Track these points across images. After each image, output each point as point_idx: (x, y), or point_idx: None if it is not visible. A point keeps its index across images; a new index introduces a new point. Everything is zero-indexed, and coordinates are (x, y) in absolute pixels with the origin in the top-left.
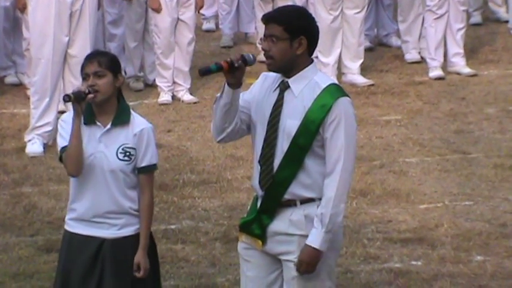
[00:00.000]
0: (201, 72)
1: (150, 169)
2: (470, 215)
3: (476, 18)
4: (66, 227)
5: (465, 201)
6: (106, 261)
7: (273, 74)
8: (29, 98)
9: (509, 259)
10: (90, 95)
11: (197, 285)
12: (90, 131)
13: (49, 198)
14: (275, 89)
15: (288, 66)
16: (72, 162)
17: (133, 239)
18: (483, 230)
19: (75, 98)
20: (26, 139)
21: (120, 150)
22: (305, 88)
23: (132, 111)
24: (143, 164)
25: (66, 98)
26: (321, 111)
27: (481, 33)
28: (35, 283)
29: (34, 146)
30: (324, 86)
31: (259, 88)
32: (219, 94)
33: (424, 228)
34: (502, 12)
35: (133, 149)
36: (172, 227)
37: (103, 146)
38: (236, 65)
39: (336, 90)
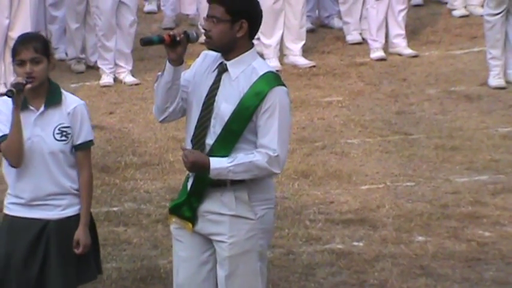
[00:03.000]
0: (143, 42)
1: (87, 145)
2: (411, 196)
3: None
4: (6, 211)
5: (406, 182)
6: (50, 242)
7: (213, 53)
8: None
9: (450, 239)
10: (28, 85)
11: (139, 267)
12: (24, 116)
13: None
14: (214, 70)
15: (227, 47)
16: (15, 153)
17: (77, 218)
18: (424, 210)
19: (17, 92)
20: None
21: (56, 131)
22: (242, 73)
23: (62, 90)
24: (79, 141)
25: (10, 94)
26: (255, 98)
27: (422, 15)
28: None
29: None
30: (261, 73)
31: (199, 66)
32: (160, 73)
33: (365, 209)
34: None
35: (69, 127)
36: (115, 209)
37: (39, 130)
38: (178, 38)
39: (272, 79)
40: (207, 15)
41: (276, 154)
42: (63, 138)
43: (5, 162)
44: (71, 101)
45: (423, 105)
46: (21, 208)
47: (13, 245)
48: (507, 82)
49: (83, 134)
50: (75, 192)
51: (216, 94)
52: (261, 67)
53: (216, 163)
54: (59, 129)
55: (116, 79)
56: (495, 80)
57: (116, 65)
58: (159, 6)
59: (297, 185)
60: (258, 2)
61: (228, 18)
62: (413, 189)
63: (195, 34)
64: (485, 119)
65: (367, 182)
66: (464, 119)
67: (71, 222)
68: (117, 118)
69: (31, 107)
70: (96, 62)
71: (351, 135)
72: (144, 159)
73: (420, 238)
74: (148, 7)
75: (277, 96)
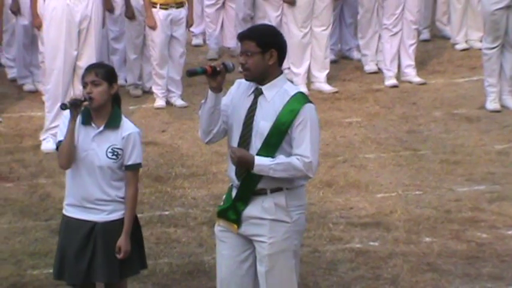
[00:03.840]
0: (189, 73)
1: (135, 167)
2: (420, 202)
3: (426, 35)
4: (64, 212)
5: (415, 191)
6: (97, 241)
7: (246, 81)
8: (44, 103)
9: (453, 240)
10: (85, 103)
11: (187, 262)
12: (85, 130)
13: (61, 188)
14: (250, 94)
15: (262, 75)
16: (64, 157)
17: (121, 222)
18: (431, 215)
19: (71, 105)
20: (41, 138)
21: (109, 149)
22: (276, 95)
23: (123, 116)
24: (129, 163)
25: (63, 107)
26: (290, 115)
27: (429, 48)
28: (49, 261)
29: (48, 144)
30: (292, 93)
31: (235, 93)
32: (203, 101)
33: (380, 214)
34: (447, 30)
35: (121, 149)
36: (166, 213)
37: (95, 145)
38: (218, 69)
39: (302, 98)
40: (241, 52)
41: (309, 160)
42: (114, 157)
43: (67, 171)
44: (127, 127)
45: (430, 125)
46: (74, 209)
47: (68, 241)
48: (502, 106)
49: (133, 157)
50: (120, 200)
51: (254, 114)
52: (292, 89)
53: (260, 160)
54: (111, 149)
55: (167, 102)
56: (492, 104)
57: (167, 90)
58: (204, 40)
59: (322, 193)
60: (281, 33)
61: (259, 50)
62: (421, 197)
63: (231, 65)
64: (483, 138)
65: (381, 190)
66: (465, 137)
67: (115, 225)
68: (168, 135)
69: (93, 125)
70: (151, 87)
71: (368, 150)
72: (191, 171)
73: (427, 239)
74: (195, 41)
75: (307, 112)
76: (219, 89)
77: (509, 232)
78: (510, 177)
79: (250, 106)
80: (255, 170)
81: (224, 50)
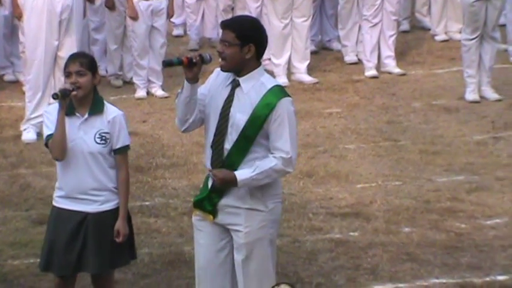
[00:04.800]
0: (164, 64)
1: (124, 150)
2: (399, 193)
3: (405, 26)
4: (54, 203)
5: (395, 181)
6: (89, 231)
7: None
8: (24, 93)
9: (432, 230)
10: (74, 92)
11: (167, 252)
12: (71, 121)
13: (41, 178)
14: (227, 85)
15: (238, 67)
16: (58, 148)
17: (113, 212)
18: (410, 205)
19: (62, 95)
20: (21, 128)
21: (97, 135)
22: (253, 87)
23: (105, 101)
24: (118, 146)
25: (55, 96)
26: (266, 108)
27: (409, 39)
28: (29, 251)
29: (29, 134)
30: (269, 86)
31: (213, 82)
32: (179, 90)
33: (360, 204)
34: (426, 21)
35: (108, 133)
36: (147, 203)
37: (82, 133)
38: (194, 60)
39: (279, 91)
40: (221, 40)
41: (289, 156)
42: (102, 142)
43: (58, 163)
44: (111, 111)
45: (409, 116)
46: (65, 201)
47: (57, 233)
48: (481, 97)
49: (121, 140)
50: (113, 189)
51: (231, 106)
52: (269, 82)
53: (242, 175)
54: (99, 134)
55: (148, 93)
56: (471, 95)
57: (148, 80)
58: (185, 31)
59: (302, 183)
60: (263, 28)
61: (238, 43)
62: (400, 188)
63: (208, 57)
64: (462, 128)
65: (361, 181)
66: (444, 128)
67: (107, 215)
68: (149, 126)
69: (77, 114)
70: (131, 78)
71: (348, 141)
72: (172, 161)
73: (406, 229)
74: (176, 31)
75: (284, 106)
76: (195, 80)
77: (488, 222)
78: (489, 167)
79: (227, 97)
80: (240, 185)
81: (205, 41)
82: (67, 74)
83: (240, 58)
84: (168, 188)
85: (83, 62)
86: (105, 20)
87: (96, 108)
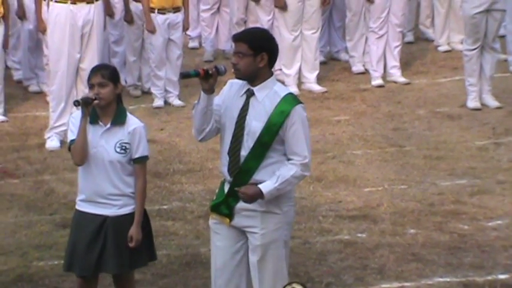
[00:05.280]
0: (182, 76)
1: (142, 160)
2: (405, 196)
3: (410, 37)
4: (77, 207)
5: (401, 185)
6: (108, 234)
7: (238, 82)
8: (48, 103)
9: (436, 232)
10: (96, 101)
11: (185, 254)
12: (94, 129)
13: (65, 184)
14: (242, 95)
15: (252, 76)
16: (78, 154)
17: (131, 216)
18: (415, 208)
19: (83, 103)
20: (46, 136)
21: (117, 145)
22: (267, 96)
23: (128, 113)
24: (137, 156)
25: (76, 103)
26: (281, 116)
27: (413, 50)
28: (53, 253)
29: (52, 142)
30: (283, 95)
31: (227, 93)
32: (196, 101)
33: (367, 207)
34: (430, 33)
35: (128, 143)
36: (165, 207)
37: (104, 142)
38: (210, 72)
39: (292, 99)
40: (234, 52)
41: (306, 160)
42: (122, 151)
43: (79, 168)
44: (133, 122)
45: (414, 123)
46: (86, 204)
47: (79, 235)
48: (482, 104)
49: (140, 150)
50: (131, 194)
51: (246, 114)
52: (282, 90)
53: (266, 187)
54: (120, 144)
55: (165, 102)
56: (472, 102)
57: (165, 90)
58: (200, 43)
59: (312, 187)
60: (274, 38)
61: (251, 53)
62: (406, 191)
63: (223, 68)
64: (464, 134)
65: (368, 185)
66: (448, 134)
67: (126, 219)
68: (166, 133)
69: (100, 123)
70: (149, 88)
71: (356, 147)
72: (188, 167)
73: (412, 231)
74: (192, 44)
75: (298, 113)
76: (211, 91)
77: (489, 224)
78: (490, 171)
79: (243, 107)
80: (266, 198)
81: (219, 52)
82: (90, 86)
83: (254, 67)
84: (185, 192)
85: (104, 73)
86: (124, 33)
87: (118, 119)
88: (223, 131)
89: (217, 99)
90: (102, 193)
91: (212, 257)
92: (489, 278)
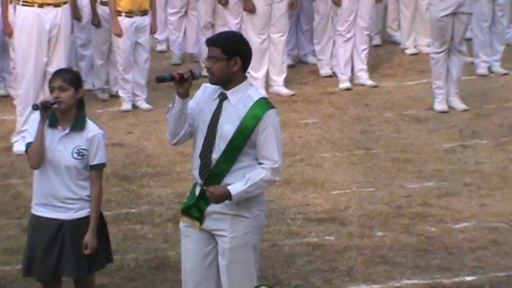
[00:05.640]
0: (157, 80)
1: (99, 167)
2: (372, 199)
3: (377, 40)
4: (32, 211)
5: (368, 187)
6: (66, 238)
7: (212, 85)
8: (15, 107)
9: (404, 234)
10: (55, 105)
11: (153, 257)
12: (52, 133)
13: (32, 188)
14: (215, 98)
15: (226, 80)
16: (34, 157)
17: (88, 219)
18: (383, 211)
19: (42, 107)
20: (13, 140)
21: (75, 150)
22: (240, 100)
23: (87, 119)
24: (94, 163)
25: (35, 107)
26: (253, 120)
27: (380, 53)
28: (20, 257)
29: (20, 146)
30: (256, 99)
31: (201, 96)
32: (171, 105)
33: (335, 210)
34: (397, 36)
35: (86, 150)
36: (133, 210)
37: (61, 147)
38: (185, 76)
39: (265, 104)
40: (208, 56)
41: (277, 164)
42: (79, 157)
43: (35, 171)
44: (92, 129)
45: (382, 125)
46: (42, 209)
47: (36, 239)
48: (449, 107)
49: (98, 158)
50: (86, 198)
51: (219, 117)
52: (255, 94)
53: (235, 189)
54: (77, 150)
55: (133, 105)
56: (439, 105)
57: (133, 94)
58: (168, 47)
59: (280, 190)
60: (247, 41)
61: (224, 57)
62: (374, 194)
63: (198, 73)
64: (431, 137)
65: (336, 187)
66: (415, 136)
67: (83, 222)
68: (134, 137)
69: (59, 127)
70: (117, 91)
71: (324, 150)
72: (156, 170)
73: (379, 233)
74: (159, 47)
75: (270, 118)
76: (186, 95)
77: (457, 226)
78: (457, 174)
79: (215, 110)
80: (234, 199)
81: (187, 56)
82: (51, 89)
83: (227, 71)
84: (153, 196)
85: (66, 77)
86: (91, 36)
87: (78, 124)
88: (196, 134)
89: (191, 103)
90: (58, 197)
91: (182, 260)
92: (456, 279)
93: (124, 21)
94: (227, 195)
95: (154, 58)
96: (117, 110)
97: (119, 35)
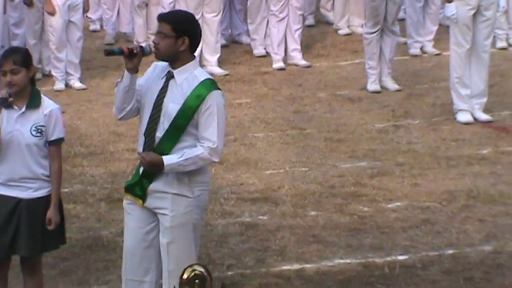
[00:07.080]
0: (106, 53)
1: (58, 142)
2: (305, 178)
3: (310, 20)
4: None
5: (302, 167)
6: (22, 216)
7: (162, 64)
8: None
9: (336, 213)
10: (11, 99)
11: (86, 237)
12: (8, 113)
13: None
14: (163, 77)
15: (171, 58)
16: None
17: (45, 199)
18: (316, 190)
19: (1, 104)
20: None
21: (33, 128)
22: (186, 79)
23: (42, 95)
24: (52, 138)
25: None
26: (197, 99)
27: (314, 33)
28: None
29: None
30: (201, 79)
31: (151, 74)
32: (119, 79)
33: (269, 190)
34: (330, 16)
35: (44, 126)
36: (66, 190)
37: (19, 125)
38: (135, 51)
39: (210, 84)
40: (157, 31)
41: (215, 145)
42: (38, 134)
43: None
44: (48, 104)
45: (315, 105)
46: (0, 187)
47: None
48: (382, 87)
49: (56, 132)
50: (45, 178)
51: (164, 96)
52: (201, 74)
53: (169, 160)
54: (35, 127)
55: (66, 85)
56: (372, 85)
57: (66, 73)
58: (101, 26)
59: (214, 170)
60: (198, 23)
61: (173, 35)
62: (307, 173)
63: (148, 49)
64: (364, 117)
65: (270, 167)
66: (348, 116)
67: (40, 202)
68: (67, 116)
69: (15, 107)
70: (50, 71)
71: (257, 130)
72: (89, 150)
73: (312, 212)
74: (93, 26)
75: (214, 99)
76: (135, 70)
77: (389, 205)
78: (389, 153)
79: (161, 88)
80: (166, 170)
81: (121, 35)
82: (2, 73)
83: (174, 50)
84: (86, 175)
85: (16, 59)
86: (24, 15)
87: (33, 102)
88: (142, 111)
89: (141, 80)
90: (16, 177)
91: (124, 237)
92: (388, 258)
93: None
94: (159, 164)
95: (87, 38)
96: (50, 90)
97: (52, 14)
